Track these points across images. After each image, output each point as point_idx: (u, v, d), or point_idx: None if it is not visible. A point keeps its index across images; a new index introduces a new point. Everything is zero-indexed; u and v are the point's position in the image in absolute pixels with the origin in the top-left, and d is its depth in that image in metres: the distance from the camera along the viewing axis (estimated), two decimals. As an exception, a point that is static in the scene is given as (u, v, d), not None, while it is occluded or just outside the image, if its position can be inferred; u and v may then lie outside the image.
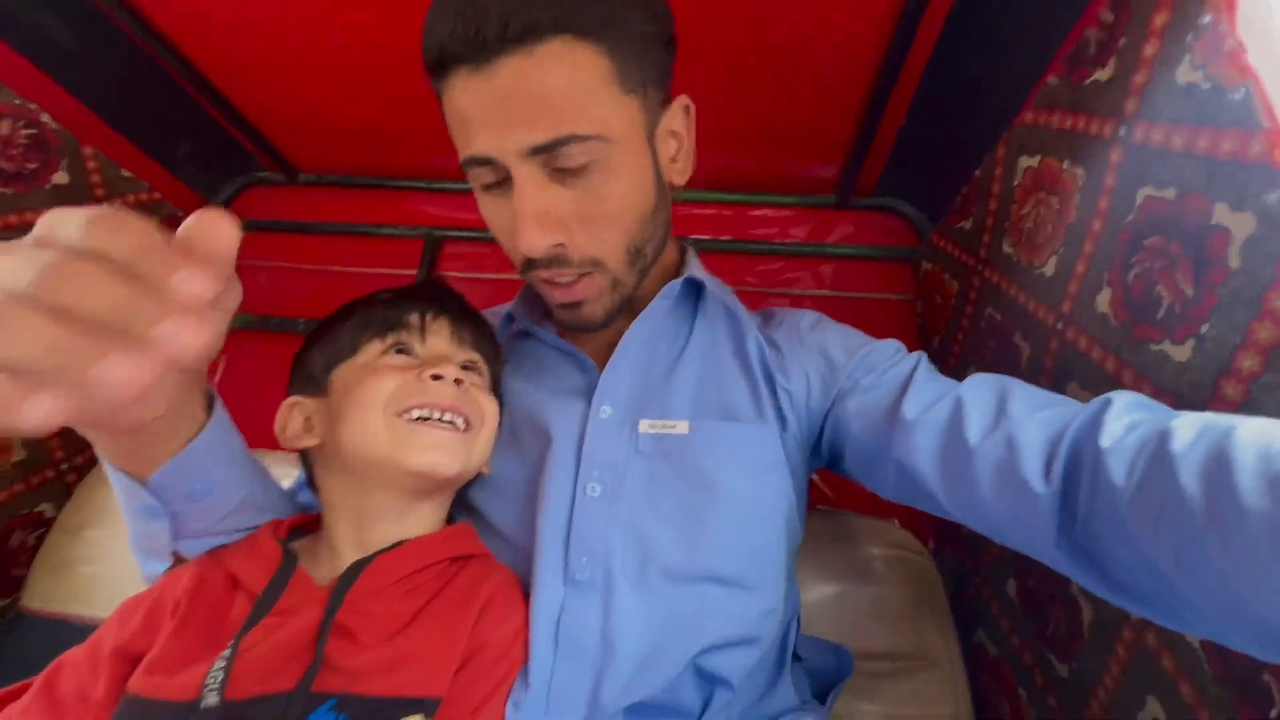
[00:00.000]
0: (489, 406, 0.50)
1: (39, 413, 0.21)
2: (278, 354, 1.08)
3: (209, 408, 0.42)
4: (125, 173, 0.93)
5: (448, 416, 0.45)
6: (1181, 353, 0.43)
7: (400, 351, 0.49)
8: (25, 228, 0.77)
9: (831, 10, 0.69)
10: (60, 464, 0.90)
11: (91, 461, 0.93)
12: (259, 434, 1.00)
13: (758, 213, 1.05)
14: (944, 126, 0.80)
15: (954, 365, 0.81)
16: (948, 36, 0.71)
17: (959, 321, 0.80)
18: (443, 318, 0.51)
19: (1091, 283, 0.53)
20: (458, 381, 0.47)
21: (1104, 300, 0.51)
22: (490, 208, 0.49)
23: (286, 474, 0.60)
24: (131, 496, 0.42)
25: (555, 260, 0.48)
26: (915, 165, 0.91)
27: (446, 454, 0.45)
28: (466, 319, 0.53)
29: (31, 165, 0.81)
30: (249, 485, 0.48)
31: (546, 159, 0.44)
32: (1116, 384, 0.49)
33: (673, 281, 0.57)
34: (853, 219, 1.02)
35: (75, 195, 0.87)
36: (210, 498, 0.44)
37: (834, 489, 0.93)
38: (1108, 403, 0.38)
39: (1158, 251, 0.45)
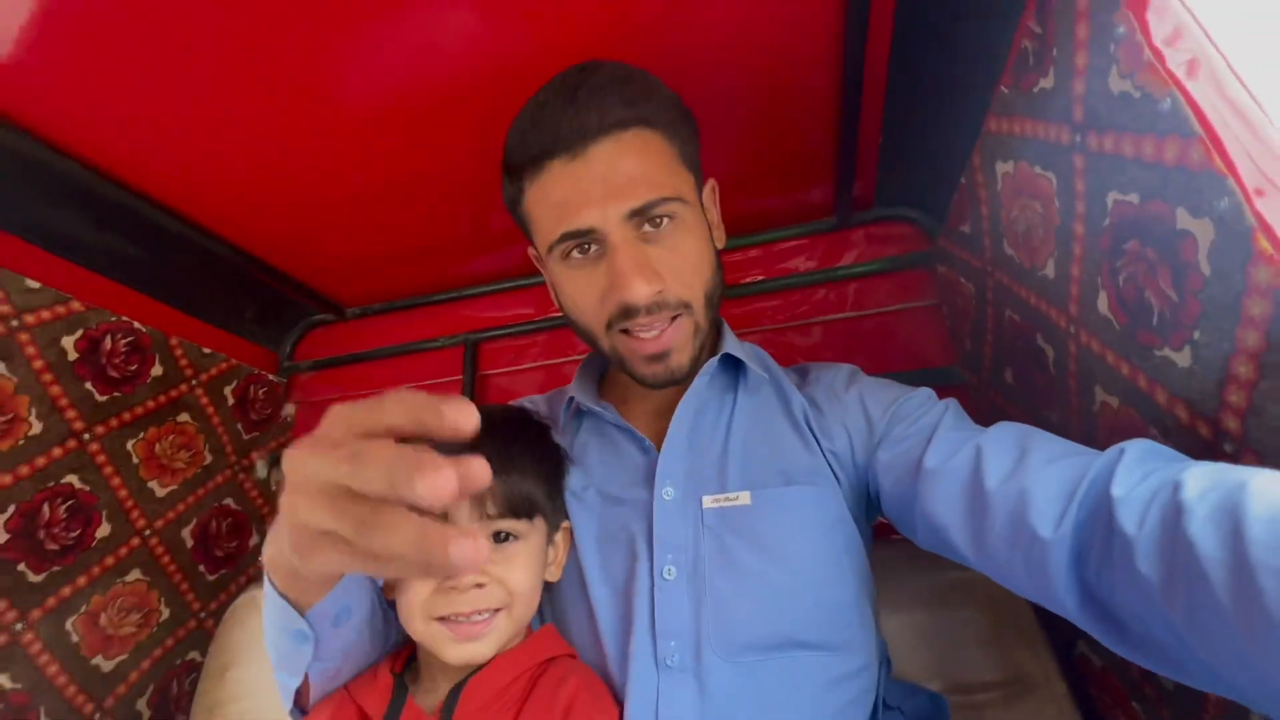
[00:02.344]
0: (521, 580, 0.51)
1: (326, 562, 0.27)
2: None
3: None
4: (206, 350, 1.06)
5: (474, 617, 0.49)
6: (1183, 359, 0.41)
7: None
8: (138, 422, 0.90)
9: (773, 40, 0.68)
10: (199, 613, 1.03)
11: (223, 606, 1.05)
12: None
13: (773, 249, 1.06)
14: (921, 135, 0.80)
15: (989, 368, 0.78)
16: (899, 52, 0.71)
17: (984, 324, 0.78)
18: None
19: (1088, 286, 0.51)
20: (478, 585, 0.49)
21: (1103, 304, 0.50)
22: (578, 279, 0.56)
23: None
24: (289, 620, 0.45)
25: (654, 306, 0.54)
26: (907, 171, 0.90)
27: (479, 646, 0.49)
28: (496, 478, 0.51)
29: (133, 366, 0.95)
30: (369, 603, 0.51)
31: (639, 220, 0.53)
32: (1134, 388, 0.48)
33: (710, 360, 0.61)
34: (863, 233, 1.02)
35: (171, 380, 1.00)
36: (349, 622, 0.48)
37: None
38: (1121, 451, 0.38)
39: (1138, 256, 0.44)
